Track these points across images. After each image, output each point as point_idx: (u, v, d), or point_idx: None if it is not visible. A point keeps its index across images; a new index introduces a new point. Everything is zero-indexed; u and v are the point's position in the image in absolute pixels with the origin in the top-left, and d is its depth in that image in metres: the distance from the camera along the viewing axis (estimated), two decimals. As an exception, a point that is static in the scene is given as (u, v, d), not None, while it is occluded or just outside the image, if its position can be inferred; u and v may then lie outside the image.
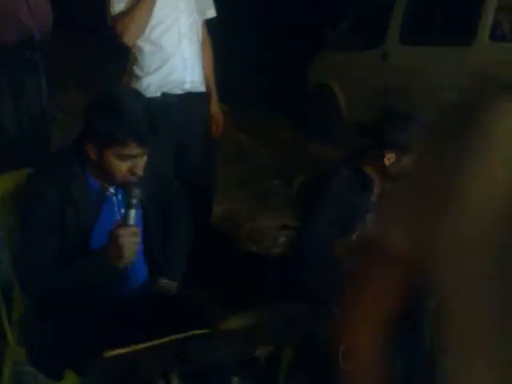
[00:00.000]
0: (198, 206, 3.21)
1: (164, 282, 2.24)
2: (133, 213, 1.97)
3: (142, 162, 2.03)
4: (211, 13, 3.51)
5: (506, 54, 6.18)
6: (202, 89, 3.43)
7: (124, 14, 3.11)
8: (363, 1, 8.14)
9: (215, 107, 3.54)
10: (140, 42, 3.25)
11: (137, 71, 3.28)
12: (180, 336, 1.71)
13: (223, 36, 4.00)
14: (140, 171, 2.03)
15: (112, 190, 2.14)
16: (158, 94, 3.26)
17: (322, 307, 2.26)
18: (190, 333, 1.67)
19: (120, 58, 3.49)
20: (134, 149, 1.98)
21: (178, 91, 3.31)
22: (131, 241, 1.94)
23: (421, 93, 6.70)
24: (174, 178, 2.67)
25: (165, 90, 3.28)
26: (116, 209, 2.14)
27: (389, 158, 2.40)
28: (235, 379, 2.25)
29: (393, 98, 6.73)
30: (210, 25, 3.58)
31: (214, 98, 3.56)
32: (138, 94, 2.35)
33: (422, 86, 6.80)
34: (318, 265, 2.34)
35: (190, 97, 3.34)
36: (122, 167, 2.00)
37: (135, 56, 3.29)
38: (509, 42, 6.32)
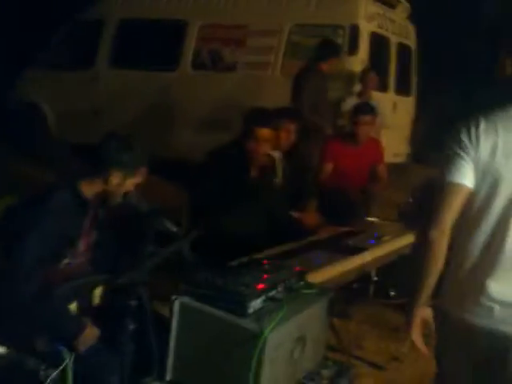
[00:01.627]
0: None
1: None
2: None
3: None
4: None
5: (205, 80, 6.77)
6: None
7: None
8: (72, 20, 8.03)
9: None
10: None
11: None
12: None
13: None
14: None
15: None
16: None
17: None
18: None
19: None
20: None
21: None
22: None
23: (130, 114, 6.93)
24: None
25: None
26: None
27: (115, 179, 2.39)
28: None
29: (103, 119, 6.79)
30: None
31: None
32: None
33: (131, 108, 7.04)
34: (27, 290, 2.20)
35: None
36: None
37: None
38: (208, 71, 6.89)
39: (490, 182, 1.77)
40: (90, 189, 2.45)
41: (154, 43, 7.28)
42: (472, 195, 1.79)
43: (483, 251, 1.82)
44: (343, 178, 4.64)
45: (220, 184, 3.37)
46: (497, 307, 1.80)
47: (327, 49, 5.46)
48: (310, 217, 3.84)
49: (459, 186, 1.78)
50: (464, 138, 1.78)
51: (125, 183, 2.43)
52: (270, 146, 3.45)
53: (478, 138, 1.77)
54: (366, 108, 4.78)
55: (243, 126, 3.43)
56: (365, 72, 5.90)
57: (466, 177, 1.77)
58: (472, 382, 1.90)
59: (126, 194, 2.44)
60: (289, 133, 4.14)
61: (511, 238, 1.77)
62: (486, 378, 1.87)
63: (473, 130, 1.78)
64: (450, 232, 1.82)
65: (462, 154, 1.78)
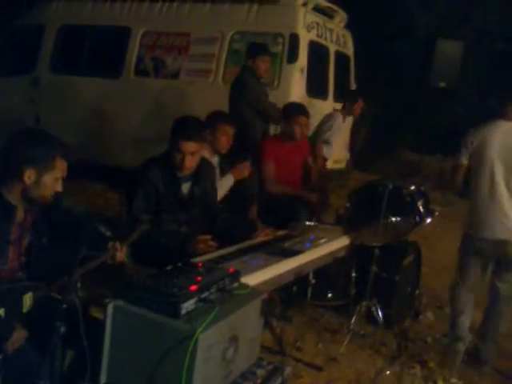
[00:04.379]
0: None
1: None
2: None
3: None
4: None
5: (147, 87, 6.79)
6: None
7: None
8: (12, 25, 7.89)
9: None
10: None
11: None
12: None
13: None
14: None
15: None
16: None
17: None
18: None
19: None
20: None
21: None
22: None
23: (72, 121, 6.86)
24: None
25: None
26: None
27: (29, 176, 2.36)
28: None
29: (45, 126, 6.69)
30: None
31: None
32: None
33: (73, 115, 6.97)
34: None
35: None
36: None
37: None
38: (150, 77, 6.91)
39: (478, 159, 3.71)
40: (10, 192, 2.42)
41: (97, 49, 7.25)
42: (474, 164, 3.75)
43: (485, 194, 3.70)
44: (283, 176, 4.71)
45: (149, 197, 3.39)
46: (497, 226, 3.65)
47: (254, 48, 5.55)
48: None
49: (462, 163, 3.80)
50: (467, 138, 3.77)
51: (42, 179, 2.38)
52: (196, 158, 3.45)
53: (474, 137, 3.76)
54: (301, 109, 4.88)
55: (170, 139, 3.43)
56: None
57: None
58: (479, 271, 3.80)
59: (56, 194, 2.42)
60: (226, 135, 4.20)
61: (498, 186, 3.65)
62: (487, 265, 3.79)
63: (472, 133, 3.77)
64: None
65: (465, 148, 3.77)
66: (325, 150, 5.75)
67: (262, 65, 5.41)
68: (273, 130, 5.70)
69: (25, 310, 2.43)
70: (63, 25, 7.47)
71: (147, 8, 7.08)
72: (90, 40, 7.36)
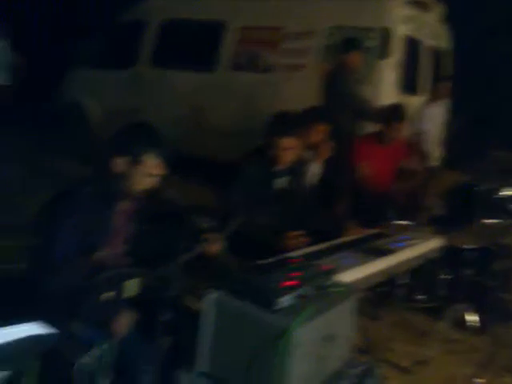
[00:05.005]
0: None
1: None
2: None
3: None
4: None
5: (241, 81, 6.87)
6: None
7: None
8: (116, 20, 8.23)
9: None
10: None
11: None
12: None
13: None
14: None
15: None
16: None
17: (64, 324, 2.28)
18: None
19: None
20: None
21: None
22: None
23: (169, 114, 7.06)
24: None
25: None
26: None
27: (119, 165, 2.46)
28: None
29: (143, 117, 6.91)
30: None
31: None
32: None
33: (170, 108, 7.17)
34: (62, 279, 2.32)
35: None
36: None
37: None
38: (244, 71, 6.98)
39: None
40: (105, 180, 2.51)
41: (195, 44, 7.42)
42: None
43: None
44: (374, 178, 4.69)
45: (246, 191, 3.44)
46: None
47: (347, 43, 5.49)
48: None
49: None
50: None
51: (131, 172, 2.45)
52: (293, 153, 3.47)
53: None
54: (399, 115, 4.80)
55: (266, 135, 3.46)
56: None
57: None
58: None
59: (153, 190, 2.50)
60: (319, 132, 4.21)
61: None
62: None
63: None
64: None
65: None
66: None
67: (355, 60, 5.37)
68: (364, 127, 5.63)
69: (130, 295, 2.56)
70: (163, 19, 7.70)
71: (243, 2, 7.17)
72: (188, 34, 7.54)
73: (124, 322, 2.38)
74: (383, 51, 6.04)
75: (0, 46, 8.22)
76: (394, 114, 4.81)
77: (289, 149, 3.41)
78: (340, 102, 5.23)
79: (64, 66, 8.53)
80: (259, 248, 3.17)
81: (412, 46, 6.43)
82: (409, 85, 6.46)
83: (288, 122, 3.46)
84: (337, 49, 5.55)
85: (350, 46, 5.43)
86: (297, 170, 3.67)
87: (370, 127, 5.41)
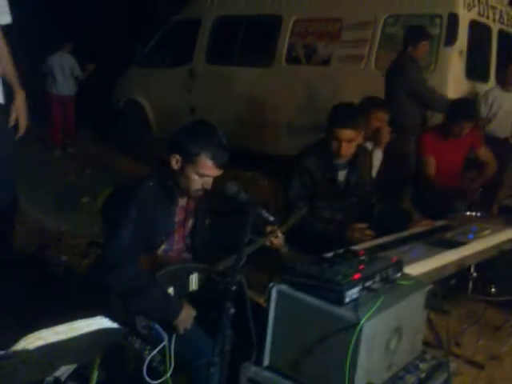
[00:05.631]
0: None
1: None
2: None
3: None
4: (4, 19, 3.33)
5: (299, 74, 6.79)
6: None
7: None
8: (172, 19, 8.33)
9: (19, 108, 3.33)
10: None
11: None
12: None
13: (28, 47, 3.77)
14: None
15: None
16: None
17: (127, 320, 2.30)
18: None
19: None
20: None
21: None
22: None
23: (225, 110, 7.08)
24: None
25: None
26: None
27: (175, 162, 2.47)
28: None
29: (199, 116, 6.96)
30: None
31: (17, 98, 3.34)
32: None
33: (226, 104, 7.19)
34: (124, 274, 2.33)
35: None
36: None
37: None
38: (301, 65, 6.91)
39: None
40: (164, 176, 2.52)
41: (250, 39, 7.41)
42: None
43: None
44: (441, 171, 4.55)
45: (305, 184, 3.41)
46: None
47: (416, 33, 5.31)
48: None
49: None
50: None
51: (185, 170, 2.44)
52: (353, 145, 3.39)
53: None
54: (469, 114, 4.60)
55: (326, 126, 3.40)
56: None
57: None
58: None
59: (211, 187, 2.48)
60: (378, 120, 4.12)
61: None
62: None
63: None
64: None
65: None
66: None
67: (423, 50, 5.20)
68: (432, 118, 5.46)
69: (191, 289, 2.56)
70: (218, 17, 7.73)
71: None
72: (242, 30, 7.54)
73: (187, 316, 2.38)
74: (449, 38, 5.81)
75: (65, 58, 8.51)
76: (464, 111, 4.58)
77: (349, 141, 3.34)
78: (406, 93, 5.08)
79: (121, 65, 8.72)
80: (321, 241, 3.12)
81: (479, 31, 6.19)
82: (477, 71, 6.22)
83: (347, 114, 3.38)
84: (402, 38, 5.37)
85: (418, 36, 5.25)
86: (358, 161, 3.59)
87: (437, 118, 5.25)
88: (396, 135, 4.44)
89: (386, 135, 4.22)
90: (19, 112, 3.29)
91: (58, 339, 1.38)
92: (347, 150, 3.38)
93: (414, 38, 5.22)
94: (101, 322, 1.53)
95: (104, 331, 1.52)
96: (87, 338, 1.46)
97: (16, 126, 3.30)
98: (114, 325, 1.59)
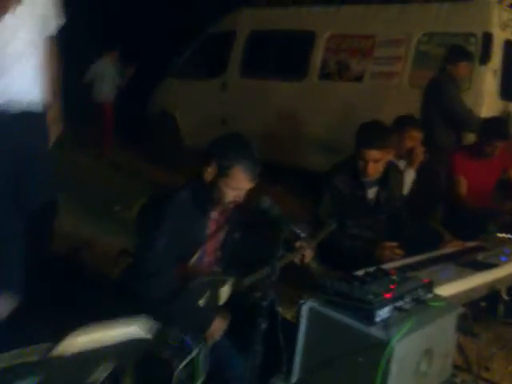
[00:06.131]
0: (39, 228, 3.10)
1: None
2: None
3: None
4: (55, 28, 3.40)
5: (331, 90, 6.81)
6: (41, 108, 3.33)
7: None
8: (206, 32, 8.43)
9: (49, 120, 3.45)
10: None
11: None
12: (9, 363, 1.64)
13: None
14: None
15: None
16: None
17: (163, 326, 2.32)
18: (22, 359, 1.61)
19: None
20: None
21: (15, 109, 3.19)
22: None
23: (257, 123, 7.11)
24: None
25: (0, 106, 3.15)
26: None
27: (209, 173, 2.49)
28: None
29: (230, 128, 7.01)
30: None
31: (50, 110, 3.45)
32: None
33: (258, 117, 7.23)
34: (157, 284, 2.36)
35: (27, 115, 3.23)
36: None
37: None
38: (334, 81, 6.93)
39: None
40: (198, 187, 2.54)
41: (283, 53, 7.45)
42: None
43: None
44: (472, 191, 4.50)
45: (334, 201, 3.41)
46: None
47: (457, 53, 5.28)
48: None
49: None
50: None
51: (218, 182, 2.46)
52: (379, 165, 3.37)
53: None
54: (502, 133, 4.56)
55: (354, 145, 3.39)
56: None
57: None
58: None
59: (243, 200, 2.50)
60: (412, 139, 4.10)
61: None
62: None
63: None
64: None
65: None
66: None
67: (464, 71, 5.17)
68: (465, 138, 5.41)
69: (221, 302, 2.58)
70: (252, 31, 7.80)
71: (332, 12, 7.13)
72: (276, 44, 7.59)
73: (217, 328, 2.40)
74: (483, 57, 5.78)
75: (107, 65, 8.73)
76: (497, 130, 4.54)
77: (375, 161, 3.33)
78: (443, 111, 5.05)
79: (156, 76, 8.85)
80: (350, 258, 3.11)
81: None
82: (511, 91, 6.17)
83: (374, 134, 3.37)
84: (444, 56, 5.34)
85: (459, 56, 5.23)
86: (389, 179, 3.58)
87: (471, 138, 5.20)
88: (429, 154, 4.40)
89: (419, 155, 4.20)
90: (51, 123, 3.41)
91: (94, 345, 1.41)
92: (374, 169, 3.37)
93: (455, 57, 5.19)
94: (135, 331, 1.56)
95: (138, 340, 1.54)
96: (122, 345, 1.49)
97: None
98: (148, 335, 1.62)
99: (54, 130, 3.49)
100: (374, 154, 3.32)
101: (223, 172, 2.46)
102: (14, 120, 3.17)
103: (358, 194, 3.47)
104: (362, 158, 3.34)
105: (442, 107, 5.05)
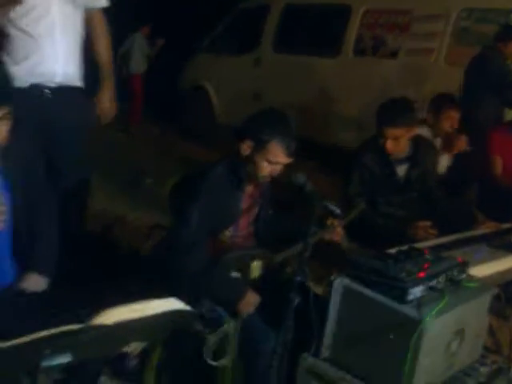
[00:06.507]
0: (72, 204, 3.15)
1: (34, 276, 2.20)
2: None
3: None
4: (102, 2, 3.40)
5: (366, 66, 6.70)
6: (77, 83, 3.34)
7: None
8: (238, 7, 8.36)
9: (105, 99, 3.43)
10: (10, 28, 3.12)
11: (5, 58, 3.13)
12: (50, 332, 1.69)
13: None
14: None
15: None
16: (27, 85, 3.13)
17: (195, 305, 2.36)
18: (62, 328, 1.65)
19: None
20: None
21: (49, 84, 3.20)
22: None
23: (290, 99, 7.06)
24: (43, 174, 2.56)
25: (33, 81, 3.16)
26: None
27: (245, 148, 2.51)
28: (102, 378, 2.28)
29: (262, 103, 6.98)
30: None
31: (105, 89, 3.43)
32: None
33: (291, 93, 7.17)
34: (191, 259, 2.40)
35: (61, 91, 3.24)
36: None
37: (4, 42, 3.15)
38: (369, 56, 6.82)
39: None
40: (234, 162, 2.57)
41: (317, 28, 7.33)
42: None
43: None
44: (508, 171, 4.42)
45: (364, 180, 3.39)
46: None
47: (510, 31, 5.15)
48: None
49: None
50: None
51: (255, 157, 2.48)
52: (401, 142, 3.30)
53: None
54: None
55: (376, 123, 3.34)
56: None
57: None
58: None
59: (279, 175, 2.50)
60: (450, 119, 4.03)
61: None
62: None
63: None
64: None
65: None
66: None
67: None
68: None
69: (253, 276, 2.61)
70: (286, 4, 7.69)
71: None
72: (310, 19, 7.49)
73: (249, 302, 2.42)
74: None
75: (139, 39, 8.84)
76: None
77: (395, 138, 3.29)
78: (487, 85, 4.92)
79: (186, 52, 8.84)
80: (382, 237, 3.10)
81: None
82: None
83: (394, 111, 3.31)
84: (496, 33, 5.20)
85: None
86: (421, 156, 3.52)
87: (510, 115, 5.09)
88: (468, 134, 4.32)
89: (460, 145, 4.12)
90: (103, 105, 3.42)
91: (133, 317, 1.44)
92: (394, 147, 3.32)
93: (508, 35, 5.06)
94: (173, 304, 1.59)
95: (176, 312, 1.57)
96: (160, 317, 1.52)
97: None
98: (187, 307, 1.64)
99: (110, 110, 3.50)
100: (394, 131, 3.26)
101: (261, 146, 2.48)
102: (46, 97, 3.19)
103: (387, 171, 3.44)
104: (382, 135, 3.31)
105: (486, 79, 4.90)
